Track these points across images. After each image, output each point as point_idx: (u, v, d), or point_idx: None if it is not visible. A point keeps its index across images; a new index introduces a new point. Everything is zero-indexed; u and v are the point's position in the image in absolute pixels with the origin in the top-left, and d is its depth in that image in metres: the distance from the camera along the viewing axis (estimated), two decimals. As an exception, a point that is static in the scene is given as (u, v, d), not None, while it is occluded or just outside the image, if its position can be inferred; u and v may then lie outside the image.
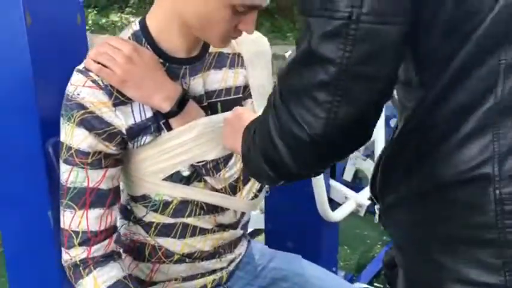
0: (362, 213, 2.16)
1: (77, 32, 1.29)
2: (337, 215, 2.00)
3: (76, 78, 0.91)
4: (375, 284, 2.43)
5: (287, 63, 0.66)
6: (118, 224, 1.06)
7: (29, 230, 1.35)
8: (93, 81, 0.90)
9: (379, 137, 2.34)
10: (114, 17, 11.83)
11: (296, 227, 2.12)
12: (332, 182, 2.09)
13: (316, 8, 0.60)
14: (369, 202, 2.10)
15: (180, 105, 0.93)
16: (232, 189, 1.02)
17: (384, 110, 0.71)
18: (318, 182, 1.84)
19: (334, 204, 2.06)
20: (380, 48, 0.59)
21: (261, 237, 2.35)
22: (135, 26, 0.96)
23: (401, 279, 0.76)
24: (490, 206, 0.61)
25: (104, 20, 11.41)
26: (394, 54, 0.61)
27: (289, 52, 1.75)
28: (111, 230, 0.98)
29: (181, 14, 0.90)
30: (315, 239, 2.14)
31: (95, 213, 0.94)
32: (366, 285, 2.29)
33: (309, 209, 1.99)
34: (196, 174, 1.00)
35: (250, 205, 1.06)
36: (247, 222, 1.17)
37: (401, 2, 0.59)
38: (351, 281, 2.38)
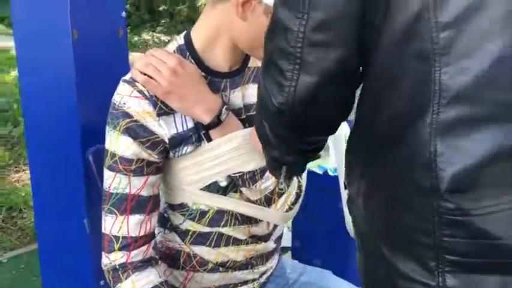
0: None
1: (119, 45, 1.34)
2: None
3: (122, 88, 0.94)
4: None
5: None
6: (156, 231, 1.08)
7: (64, 236, 1.39)
8: (139, 91, 0.92)
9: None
10: (146, 35, 12.11)
11: (323, 244, 2.11)
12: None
13: None
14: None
15: (220, 116, 0.95)
16: (267, 201, 1.03)
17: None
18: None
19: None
20: (335, 16, 0.60)
21: (287, 255, 2.34)
22: (180, 40, 0.98)
23: (360, 264, 0.76)
24: (429, 214, 0.61)
25: (136, 38, 11.68)
26: (348, 23, 0.61)
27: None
28: (150, 236, 1.00)
29: (229, 32, 0.93)
30: (342, 257, 2.12)
31: (135, 219, 0.95)
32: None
33: (337, 226, 1.98)
34: (232, 185, 1.02)
35: (284, 217, 1.07)
36: (280, 237, 1.18)
37: None
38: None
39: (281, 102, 0.64)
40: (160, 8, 12.90)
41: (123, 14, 1.33)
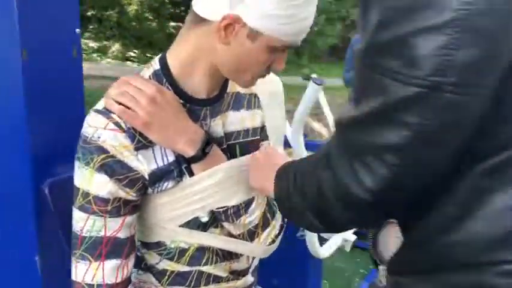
0: (348, 249, 2.14)
1: (73, 65, 1.23)
2: (325, 251, 1.96)
3: (96, 119, 0.85)
4: (357, 319, 2.40)
5: (352, 116, 0.63)
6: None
7: (15, 274, 1.25)
8: (116, 123, 0.83)
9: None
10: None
11: (283, 264, 2.07)
12: (318, 217, 2.06)
13: (393, 70, 0.56)
14: (355, 237, 2.09)
15: (204, 149, 0.88)
16: (251, 235, 0.97)
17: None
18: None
19: (320, 239, 2.03)
20: (460, 118, 0.57)
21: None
22: (155, 65, 0.91)
23: None
24: None
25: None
26: (471, 125, 0.59)
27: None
28: (127, 281, 0.90)
29: (209, 56, 0.86)
30: (300, 276, 2.10)
31: (111, 264, 0.86)
32: (349, 322, 2.25)
33: (296, 245, 1.95)
34: (213, 219, 0.95)
35: (266, 251, 1.01)
36: (256, 267, 1.12)
37: (485, 74, 0.56)
38: (334, 317, 2.34)
39: (375, 193, 0.61)
40: (89, 13, 12.42)
41: (78, 30, 1.22)
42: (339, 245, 2.07)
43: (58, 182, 1.12)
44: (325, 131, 6.84)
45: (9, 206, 1.19)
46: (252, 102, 1.01)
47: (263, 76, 0.89)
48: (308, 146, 3.15)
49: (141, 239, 0.97)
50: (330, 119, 3.29)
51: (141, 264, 0.98)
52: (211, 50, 0.85)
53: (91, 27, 12.45)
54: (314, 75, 2.46)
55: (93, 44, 11.47)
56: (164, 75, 0.89)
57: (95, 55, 10.70)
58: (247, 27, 0.80)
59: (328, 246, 2.00)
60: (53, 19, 1.16)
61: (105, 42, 11.43)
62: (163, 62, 0.90)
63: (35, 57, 1.11)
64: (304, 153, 1.80)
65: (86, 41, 11.68)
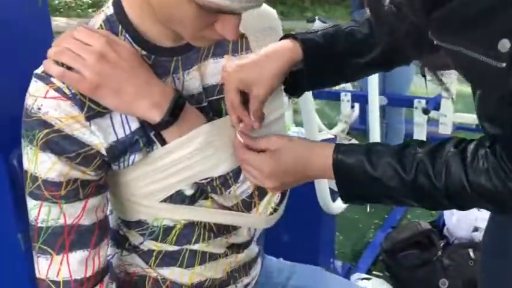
0: (362, 202, 2.03)
1: (38, 15, 1.06)
2: (338, 206, 1.84)
3: (35, 86, 0.70)
4: (374, 272, 2.31)
5: None
6: (109, 252, 0.85)
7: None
8: (57, 89, 0.68)
9: (375, 130, 2.23)
10: (67, -3, 11.26)
11: (293, 220, 1.95)
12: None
13: None
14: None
15: (174, 111, 0.72)
16: (247, 206, 0.83)
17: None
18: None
19: (332, 194, 1.90)
20: None
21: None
22: (108, 10, 0.74)
23: None
24: None
25: (56, 1, 10.82)
26: None
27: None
28: (101, 273, 0.78)
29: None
30: (312, 232, 1.99)
31: (77, 256, 0.74)
32: (365, 275, 2.16)
33: (307, 201, 1.82)
34: (201, 191, 0.81)
35: (268, 221, 0.87)
36: (262, 235, 0.99)
37: None
38: (349, 271, 2.25)
39: None
40: (80, -34, 11.96)
41: (40, -27, 1.04)
42: (353, 198, 1.94)
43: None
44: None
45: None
46: (238, 44, 0.83)
47: (214, 39, 0.70)
48: (313, 93, 2.99)
49: (120, 216, 0.83)
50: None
51: (124, 245, 0.85)
52: None
53: (84, -19, 12.03)
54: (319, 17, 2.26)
55: (87, -1, 11.11)
56: (119, 20, 0.72)
57: (90, 10, 10.35)
58: None
59: (340, 200, 1.87)
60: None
61: (104, 5, 11.07)
62: (118, 5, 0.72)
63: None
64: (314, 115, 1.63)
65: (80, -4, 11.32)
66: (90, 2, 10.90)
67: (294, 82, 0.83)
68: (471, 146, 0.70)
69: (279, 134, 0.81)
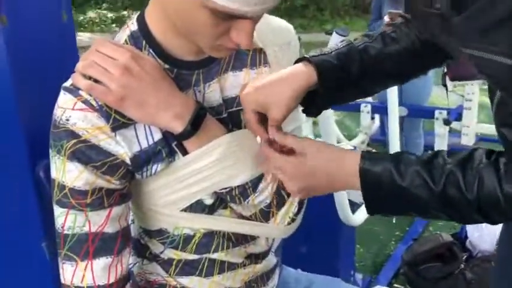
0: (382, 213, 2.02)
1: (63, 31, 1.10)
2: (358, 218, 1.84)
3: (63, 98, 0.73)
4: (395, 285, 2.29)
5: None
6: (130, 261, 0.88)
7: (22, 264, 1.17)
8: (84, 101, 0.72)
9: (395, 141, 2.22)
10: (92, 13, 11.51)
11: (312, 231, 1.95)
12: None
13: None
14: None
15: (195, 122, 0.74)
16: (265, 215, 0.84)
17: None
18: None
19: (352, 206, 1.90)
20: None
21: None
22: (133, 26, 0.77)
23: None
24: None
25: (81, 17, 11.08)
26: None
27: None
28: (123, 280, 0.80)
29: (168, 12, 0.72)
30: (332, 243, 1.98)
31: (101, 263, 0.76)
32: (386, 288, 2.15)
33: (326, 212, 1.83)
34: (220, 200, 0.83)
35: (286, 231, 0.88)
36: (280, 245, 1.00)
37: None
38: (370, 284, 2.23)
39: None
40: (104, -17, 12.25)
41: (66, -9, 1.08)
42: (372, 210, 1.94)
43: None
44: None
45: (9, 193, 1.09)
46: (256, 58, 0.85)
47: (230, 48, 0.72)
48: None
49: (141, 225, 0.86)
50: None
51: (145, 254, 0.87)
52: (167, 6, 0.71)
53: (108, -3, 12.30)
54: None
55: (111, 14, 11.33)
56: (143, 36, 0.75)
57: (113, 25, 10.57)
58: None
59: (360, 212, 1.87)
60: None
61: (123, 12, 11.27)
62: (142, 21, 0.76)
63: (17, 24, 0.98)
64: (333, 125, 1.64)
65: (104, 12, 11.57)
66: (113, 17, 11.13)
67: (310, 102, 0.84)
68: (503, 157, 0.68)
69: (309, 139, 0.82)
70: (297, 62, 0.82)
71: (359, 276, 2.25)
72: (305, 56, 0.82)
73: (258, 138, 0.80)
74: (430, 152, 0.74)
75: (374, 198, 0.74)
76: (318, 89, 0.81)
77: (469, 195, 0.67)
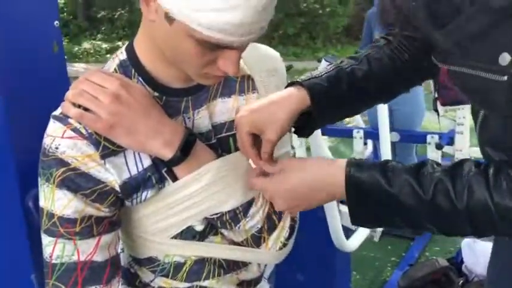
0: (377, 238, 2.01)
1: (54, 62, 1.11)
2: (352, 244, 1.83)
3: (53, 127, 0.73)
4: (392, 311, 2.26)
5: None
6: (120, 290, 0.87)
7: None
8: (74, 129, 0.72)
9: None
10: (86, 44, 11.63)
11: (307, 258, 1.94)
12: (341, 207, 1.92)
13: None
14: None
15: (185, 148, 0.75)
16: (256, 240, 0.84)
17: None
18: (331, 210, 1.67)
19: (346, 231, 1.89)
20: None
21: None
22: (122, 55, 0.78)
23: None
24: None
25: (76, 48, 11.19)
26: None
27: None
28: None
29: (156, 42, 0.73)
30: (327, 270, 1.96)
31: None
32: (384, 315, 2.12)
33: (320, 239, 1.81)
34: (210, 226, 0.82)
35: (277, 256, 0.88)
36: (273, 272, 0.99)
37: None
38: (367, 310, 2.20)
39: None
40: (99, 15, 12.40)
41: (56, 23, 1.09)
42: (367, 236, 1.93)
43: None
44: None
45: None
46: (245, 85, 0.86)
47: (218, 76, 0.74)
48: (326, 130, 3.00)
49: (131, 253, 0.85)
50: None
51: (135, 282, 0.87)
52: (155, 35, 0.72)
53: (103, 28, 12.45)
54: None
55: (106, 45, 11.45)
56: (132, 65, 0.76)
57: (108, 56, 10.67)
58: (162, 7, 0.65)
59: (355, 238, 1.86)
60: (26, 14, 1.04)
61: (117, 43, 11.41)
62: (131, 50, 0.77)
63: (9, 56, 0.99)
64: (324, 149, 1.65)
65: (98, 42, 11.70)
66: (108, 48, 11.24)
67: (302, 123, 0.85)
68: (492, 167, 0.67)
69: (293, 158, 0.82)
70: (288, 85, 0.84)
71: (356, 304, 2.22)
72: (297, 80, 0.84)
73: (250, 161, 0.80)
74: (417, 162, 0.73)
75: (360, 206, 0.72)
76: (310, 111, 0.82)
77: (458, 204, 0.66)
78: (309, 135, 0.89)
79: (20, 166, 1.01)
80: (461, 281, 2.11)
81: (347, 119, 6.23)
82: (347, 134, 3.19)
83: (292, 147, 0.96)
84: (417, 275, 2.17)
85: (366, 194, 0.70)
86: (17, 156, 1.01)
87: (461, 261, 2.24)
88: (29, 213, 1.00)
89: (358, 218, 0.73)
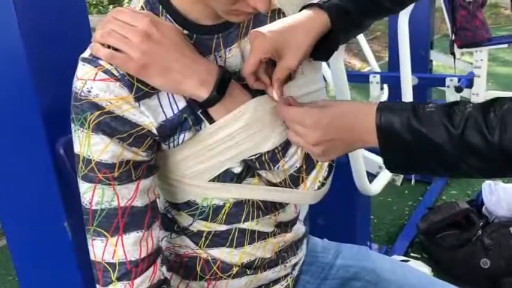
0: (399, 183, 2.00)
1: (75, 5, 1.06)
2: (375, 188, 1.82)
3: (83, 70, 0.70)
4: (411, 254, 2.29)
5: None
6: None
7: (43, 246, 1.16)
8: (106, 71, 0.69)
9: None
10: (89, -6, 11.36)
11: (328, 203, 1.94)
12: (365, 153, 1.90)
13: None
14: (405, 170, 1.93)
15: (220, 88, 0.72)
16: (294, 181, 0.82)
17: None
18: (356, 155, 1.66)
19: (368, 176, 1.88)
20: None
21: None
22: None
23: None
24: None
25: None
26: None
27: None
28: (155, 254, 0.78)
29: None
30: (349, 214, 1.97)
31: (131, 238, 0.74)
32: (404, 257, 2.14)
33: (342, 183, 1.81)
34: (248, 168, 0.81)
35: (315, 196, 0.86)
36: (308, 214, 0.98)
37: None
38: (386, 253, 2.23)
39: None
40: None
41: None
42: (389, 180, 1.92)
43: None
44: (357, 61, 6.55)
45: (27, 173, 1.08)
46: (276, 20, 0.81)
47: (248, 12, 0.69)
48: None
49: (168, 199, 0.84)
50: (365, 46, 3.05)
51: (173, 227, 0.86)
52: None
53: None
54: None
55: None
56: (159, 2, 0.72)
57: (111, 7, 10.44)
58: None
59: (377, 182, 1.86)
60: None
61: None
62: None
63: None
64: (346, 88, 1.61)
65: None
66: (110, -2, 10.98)
67: (320, 46, 0.81)
68: None
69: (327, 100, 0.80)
70: (304, 8, 0.80)
71: (375, 247, 2.25)
72: (313, 1, 0.80)
73: (275, 95, 0.77)
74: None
75: (392, 149, 0.70)
76: (328, 33, 0.79)
77: (491, 140, 0.63)
78: (327, 58, 0.85)
79: (47, 113, 0.99)
80: (482, 223, 2.11)
81: (360, 65, 6.09)
82: (363, 79, 3.14)
83: (325, 80, 0.93)
84: (437, 218, 2.18)
85: (397, 136, 0.68)
86: (43, 103, 0.98)
87: (482, 203, 2.24)
88: (60, 161, 0.98)
89: (391, 162, 0.72)
